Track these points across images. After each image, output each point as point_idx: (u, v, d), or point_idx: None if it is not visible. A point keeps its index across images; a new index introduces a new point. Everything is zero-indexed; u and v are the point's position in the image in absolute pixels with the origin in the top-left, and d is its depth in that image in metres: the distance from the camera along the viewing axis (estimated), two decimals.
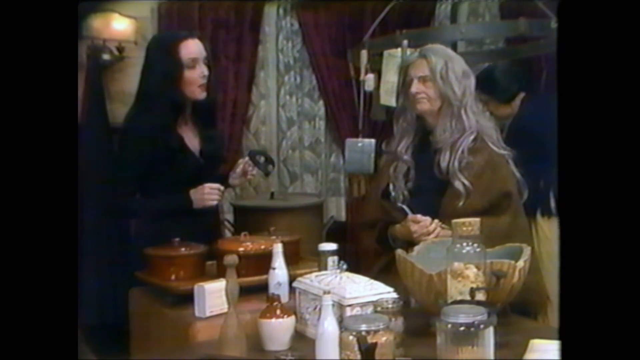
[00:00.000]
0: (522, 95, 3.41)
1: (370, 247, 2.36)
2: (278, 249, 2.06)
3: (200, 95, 2.45)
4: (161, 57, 2.45)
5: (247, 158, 2.61)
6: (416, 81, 2.29)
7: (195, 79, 2.42)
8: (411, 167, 2.32)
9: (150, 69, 2.48)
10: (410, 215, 2.19)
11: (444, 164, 2.23)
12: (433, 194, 2.24)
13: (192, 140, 2.52)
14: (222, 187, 2.48)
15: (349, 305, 1.72)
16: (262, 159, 2.73)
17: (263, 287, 2.03)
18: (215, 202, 2.48)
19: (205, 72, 2.44)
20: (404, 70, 2.40)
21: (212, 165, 2.59)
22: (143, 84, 2.49)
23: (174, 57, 2.40)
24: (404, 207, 2.23)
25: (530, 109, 3.32)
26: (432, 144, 2.29)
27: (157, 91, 2.42)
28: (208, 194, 2.43)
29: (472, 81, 2.34)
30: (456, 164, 2.21)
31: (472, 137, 2.24)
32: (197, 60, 2.43)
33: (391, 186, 2.33)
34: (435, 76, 2.27)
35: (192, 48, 2.44)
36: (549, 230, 3.01)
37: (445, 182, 2.23)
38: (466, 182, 2.18)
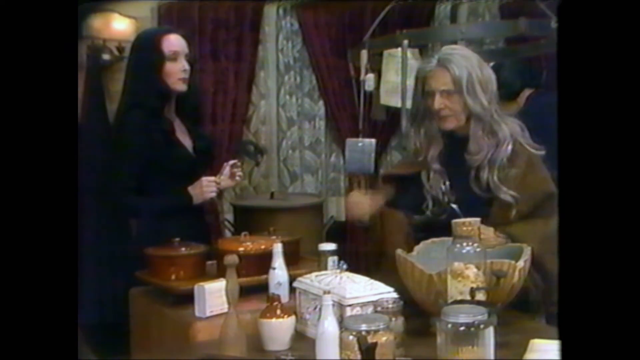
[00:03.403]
0: (527, 92, 3.41)
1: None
2: (278, 248, 2.06)
3: (181, 87, 2.53)
4: (144, 49, 2.56)
5: (232, 161, 2.65)
6: (438, 95, 2.11)
7: (176, 71, 2.51)
8: (443, 175, 2.16)
9: (134, 62, 2.60)
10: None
11: (483, 179, 2.09)
12: (479, 205, 2.07)
13: (183, 136, 2.59)
14: (218, 180, 2.53)
15: (349, 305, 1.71)
16: (251, 149, 2.74)
17: (263, 287, 2.03)
18: (213, 194, 2.55)
19: (186, 66, 2.53)
20: (422, 80, 2.17)
21: (205, 162, 2.67)
22: (128, 79, 2.59)
23: (156, 48, 2.50)
24: (456, 207, 2.08)
25: (534, 108, 3.32)
26: (467, 162, 2.13)
27: (142, 82, 2.51)
28: (206, 186, 2.50)
29: (494, 80, 2.18)
30: (496, 179, 2.07)
31: (510, 148, 2.10)
32: (178, 54, 2.52)
33: (430, 202, 2.16)
34: (461, 90, 2.09)
35: (174, 42, 2.54)
36: None
37: (487, 190, 2.10)
38: (513, 193, 2.06)
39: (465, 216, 1.98)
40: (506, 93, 3.46)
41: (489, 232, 1.99)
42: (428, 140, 2.19)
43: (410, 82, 3.47)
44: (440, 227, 1.99)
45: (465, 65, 2.11)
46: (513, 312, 1.85)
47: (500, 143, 2.11)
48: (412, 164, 2.26)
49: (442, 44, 4.62)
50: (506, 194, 2.06)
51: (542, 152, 2.14)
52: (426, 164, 2.19)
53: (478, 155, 2.11)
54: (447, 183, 2.14)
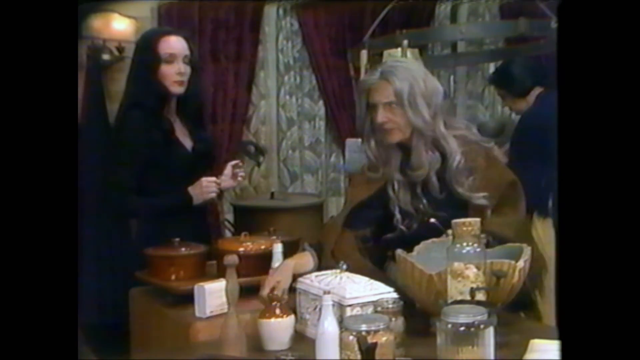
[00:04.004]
0: (538, 90, 3.41)
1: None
2: (278, 249, 2.06)
3: (176, 90, 2.52)
4: (142, 50, 2.57)
5: (234, 162, 2.65)
6: (382, 109, 2.07)
7: (171, 74, 2.50)
8: (414, 188, 2.11)
9: (135, 62, 2.59)
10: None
11: (434, 192, 2.08)
12: (453, 209, 2.00)
13: (183, 137, 2.58)
14: (218, 180, 2.53)
15: (349, 305, 1.72)
16: (252, 149, 2.72)
17: None
18: (213, 195, 2.54)
19: (182, 69, 2.52)
20: (366, 93, 2.12)
21: (204, 162, 2.66)
22: (129, 79, 2.60)
23: (152, 50, 2.50)
24: (435, 222, 2.02)
25: (543, 106, 3.32)
26: (410, 177, 2.11)
27: (140, 82, 2.52)
28: (206, 187, 2.49)
29: (441, 93, 2.13)
30: (462, 190, 2.05)
31: (458, 160, 2.06)
32: (175, 56, 2.51)
33: (399, 215, 2.12)
34: (402, 102, 2.05)
35: (173, 44, 2.53)
36: (542, 230, 3.00)
37: (455, 196, 2.08)
38: (484, 194, 2.05)
39: (443, 225, 1.96)
40: (516, 90, 3.48)
41: None
42: (384, 152, 2.14)
43: None
44: (415, 241, 1.97)
45: (407, 77, 2.07)
46: (511, 311, 1.86)
47: (448, 157, 2.07)
48: (369, 182, 2.19)
49: (443, 44, 4.65)
50: (479, 199, 2.05)
51: (492, 144, 2.16)
52: (388, 176, 2.14)
53: (420, 170, 2.08)
54: (425, 202, 2.11)
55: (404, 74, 2.07)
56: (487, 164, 2.12)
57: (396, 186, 2.14)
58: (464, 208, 2.03)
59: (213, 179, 2.52)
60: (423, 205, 2.11)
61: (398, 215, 2.12)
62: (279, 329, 1.75)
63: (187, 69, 2.53)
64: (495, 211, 2.07)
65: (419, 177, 2.09)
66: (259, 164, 4.18)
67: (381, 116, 2.07)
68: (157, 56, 2.49)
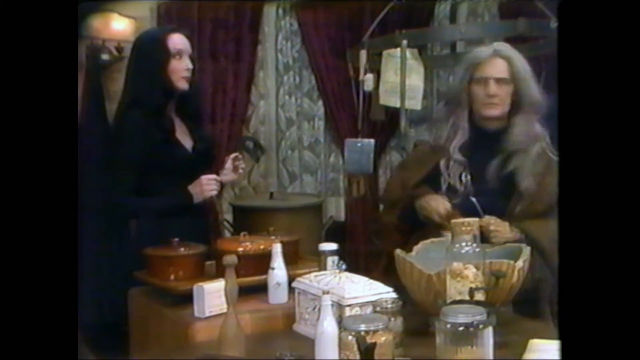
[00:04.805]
0: None
1: (390, 225, 2.35)
2: (277, 249, 2.06)
3: (184, 85, 2.54)
4: (150, 46, 2.57)
5: (234, 154, 2.65)
6: (493, 82, 2.23)
7: (180, 69, 2.52)
8: (466, 167, 2.26)
9: (138, 60, 2.59)
10: (491, 219, 2.14)
11: (511, 168, 2.20)
12: (497, 198, 2.20)
13: (183, 136, 2.59)
14: (218, 178, 2.53)
15: (348, 305, 1.72)
16: (251, 145, 2.72)
17: (262, 287, 2.03)
18: (214, 193, 2.54)
19: (190, 65, 2.55)
20: (472, 67, 2.29)
21: (204, 162, 2.67)
22: (130, 77, 2.60)
23: (162, 46, 2.52)
24: (475, 201, 2.16)
25: None
26: (496, 147, 2.24)
27: (145, 79, 2.52)
28: (206, 184, 2.49)
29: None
30: (527, 175, 2.18)
31: (538, 145, 2.22)
32: (183, 52, 2.54)
33: (444, 184, 2.27)
34: (517, 79, 2.23)
35: (178, 41, 2.56)
36: None
37: (508, 184, 2.21)
38: (533, 186, 2.18)
39: (483, 209, 2.10)
40: None
41: (504, 226, 2.07)
42: (455, 130, 2.28)
43: (410, 82, 3.48)
44: None
45: (520, 58, 2.26)
46: (518, 310, 1.87)
47: (537, 138, 2.22)
48: (430, 154, 2.34)
49: (442, 44, 4.65)
50: (526, 186, 2.17)
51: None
52: (448, 152, 2.26)
53: (515, 142, 2.21)
54: (468, 176, 2.20)
55: (518, 55, 2.26)
56: (546, 172, 2.19)
57: (451, 163, 2.27)
58: (506, 197, 2.16)
59: (213, 176, 2.53)
60: (467, 183, 2.22)
61: (444, 185, 2.25)
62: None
63: (192, 66, 2.55)
64: (541, 217, 2.13)
65: (509, 148, 2.22)
66: (257, 160, 4.18)
67: (493, 89, 2.22)
68: (167, 52, 2.51)
